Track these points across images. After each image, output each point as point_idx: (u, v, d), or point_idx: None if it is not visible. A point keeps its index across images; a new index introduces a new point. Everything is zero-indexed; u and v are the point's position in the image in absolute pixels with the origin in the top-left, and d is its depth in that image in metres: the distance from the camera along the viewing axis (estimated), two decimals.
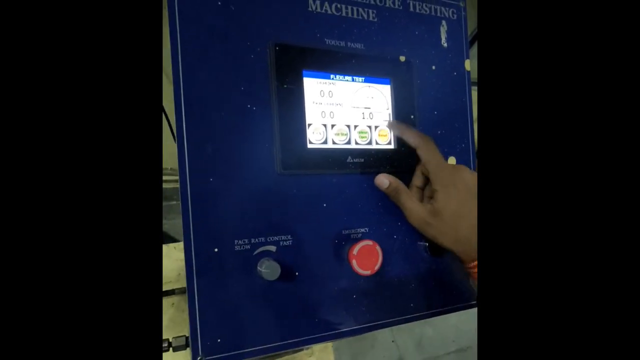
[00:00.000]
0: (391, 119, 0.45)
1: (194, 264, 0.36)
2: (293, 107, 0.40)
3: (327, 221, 0.41)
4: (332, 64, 0.42)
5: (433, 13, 0.48)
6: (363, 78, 0.44)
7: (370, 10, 0.44)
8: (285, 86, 0.40)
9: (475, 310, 0.42)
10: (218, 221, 0.37)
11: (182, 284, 0.68)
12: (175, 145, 0.35)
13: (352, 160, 0.42)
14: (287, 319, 0.39)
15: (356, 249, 0.40)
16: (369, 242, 0.41)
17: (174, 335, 0.43)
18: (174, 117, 0.36)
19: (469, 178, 0.41)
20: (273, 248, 0.39)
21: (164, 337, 0.42)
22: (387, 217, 0.44)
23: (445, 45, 0.49)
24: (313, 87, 0.41)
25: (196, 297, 0.36)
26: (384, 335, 1.42)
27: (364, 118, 0.44)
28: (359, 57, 0.43)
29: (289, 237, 0.39)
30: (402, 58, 0.46)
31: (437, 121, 0.47)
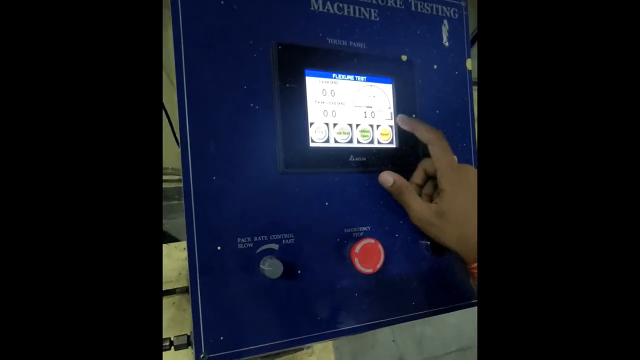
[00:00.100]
0: (394, 118, 0.45)
1: (197, 262, 0.36)
2: (295, 106, 0.40)
3: (329, 219, 0.41)
4: (334, 63, 0.42)
5: (434, 12, 0.48)
6: (365, 77, 0.44)
7: (372, 10, 0.45)
8: (287, 85, 0.40)
9: (475, 309, 0.42)
10: (221, 219, 0.37)
11: (183, 283, 0.68)
12: (177, 145, 0.35)
13: (354, 159, 0.43)
14: (290, 316, 0.39)
15: (358, 247, 0.40)
16: (371, 241, 0.41)
17: (175, 335, 0.43)
18: (177, 116, 0.37)
19: (476, 179, 0.41)
20: (275, 246, 0.39)
21: (166, 336, 0.42)
22: (389, 216, 0.44)
23: (447, 44, 0.49)
24: (315, 86, 0.41)
25: (199, 295, 0.36)
26: (384, 334, 1.42)
27: (365, 117, 0.44)
28: (361, 57, 0.43)
29: (291, 235, 0.40)
30: (404, 57, 0.46)
31: (439, 120, 0.47)
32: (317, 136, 0.41)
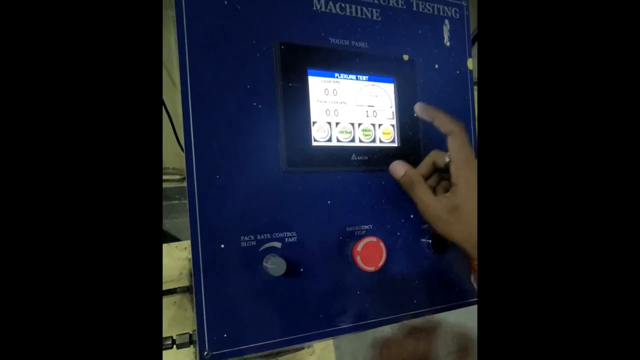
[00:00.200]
0: (395, 117, 0.45)
1: (201, 260, 0.36)
2: (298, 105, 0.40)
3: (331, 218, 0.41)
4: (336, 62, 0.42)
5: (436, 12, 0.49)
6: (367, 77, 0.44)
7: (374, 10, 0.45)
8: (290, 85, 0.40)
9: (475, 308, 0.42)
10: (224, 218, 0.37)
11: (184, 282, 0.68)
12: (178, 145, 0.36)
13: (356, 158, 0.43)
14: (292, 314, 0.39)
15: (360, 245, 0.40)
16: (373, 239, 0.41)
17: (177, 333, 0.43)
18: (180, 116, 0.37)
19: None
20: (278, 244, 0.39)
21: (167, 335, 0.43)
22: (391, 214, 0.44)
23: (448, 44, 0.49)
24: (318, 86, 0.42)
25: (203, 292, 0.36)
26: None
27: (367, 116, 0.44)
28: (363, 56, 0.44)
29: (294, 233, 0.40)
30: (406, 57, 0.46)
31: None
32: (320, 135, 0.41)
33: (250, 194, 0.38)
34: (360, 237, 0.42)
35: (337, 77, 0.43)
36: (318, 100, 0.41)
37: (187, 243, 0.69)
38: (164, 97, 0.61)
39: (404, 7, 0.47)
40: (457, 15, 0.50)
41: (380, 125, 0.45)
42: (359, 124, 0.43)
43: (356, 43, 0.44)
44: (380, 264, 0.41)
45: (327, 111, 0.42)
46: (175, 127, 0.65)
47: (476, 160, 0.40)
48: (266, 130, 0.39)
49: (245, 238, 0.38)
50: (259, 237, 0.38)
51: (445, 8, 0.49)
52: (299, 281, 0.40)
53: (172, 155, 0.72)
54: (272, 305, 0.39)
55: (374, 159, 0.44)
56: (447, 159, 0.40)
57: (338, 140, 0.42)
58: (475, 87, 0.50)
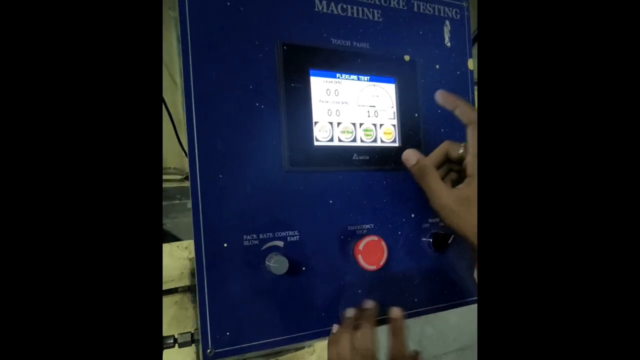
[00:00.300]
0: (396, 117, 0.46)
1: (204, 259, 0.36)
2: (300, 106, 0.41)
3: (333, 217, 0.42)
4: (338, 63, 0.43)
5: (437, 13, 0.49)
6: (368, 77, 0.44)
7: (375, 11, 0.45)
8: (292, 85, 0.40)
9: (475, 308, 0.42)
10: (227, 217, 0.37)
11: (185, 282, 0.69)
12: (179, 144, 0.36)
13: (357, 158, 0.43)
14: (294, 313, 0.40)
15: (362, 244, 0.41)
16: (375, 238, 0.41)
17: (178, 333, 0.43)
18: (182, 116, 0.37)
19: None
20: (281, 243, 0.39)
21: (169, 334, 0.43)
22: (392, 214, 0.45)
23: (449, 44, 0.49)
24: (319, 86, 0.42)
25: (206, 291, 0.36)
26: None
27: (369, 116, 0.44)
28: (364, 57, 0.44)
29: (296, 232, 0.40)
30: (407, 57, 0.46)
31: (441, 119, 0.48)
32: (322, 135, 0.42)
33: (252, 193, 0.39)
34: (362, 236, 0.42)
35: (338, 77, 0.43)
36: (320, 101, 0.42)
37: (187, 243, 0.70)
38: (165, 97, 0.62)
39: (405, 8, 0.47)
40: (458, 16, 0.50)
41: (381, 125, 0.45)
42: (361, 124, 0.44)
43: (357, 44, 0.44)
44: (382, 262, 0.42)
45: (329, 111, 0.42)
46: (177, 127, 0.65)
47: None
48: (268, 130, 0.39)
49: (248, 237, 0.38)
50: (261, 236, 0.39)
51: (446, 9, 0.50)
52: (301, 280, 0.40)
53: (173, 155, 0.73)
54: (274, 304, 0.39)
55: (375, 159, 0.44)
56: (461, 150, 0.39)
57: (340, 140, 0.43)
58: (476, 88, 0.50)
